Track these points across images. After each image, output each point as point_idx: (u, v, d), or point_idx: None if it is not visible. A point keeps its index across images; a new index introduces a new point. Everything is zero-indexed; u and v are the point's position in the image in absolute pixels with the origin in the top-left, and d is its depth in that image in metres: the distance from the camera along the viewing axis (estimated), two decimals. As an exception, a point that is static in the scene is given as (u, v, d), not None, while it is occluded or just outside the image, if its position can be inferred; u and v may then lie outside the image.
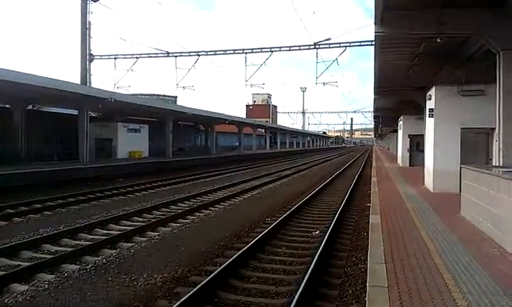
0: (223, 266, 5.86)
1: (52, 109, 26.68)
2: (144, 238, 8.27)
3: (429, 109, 12.44)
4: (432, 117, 12.19)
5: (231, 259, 6.21)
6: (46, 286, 5.44)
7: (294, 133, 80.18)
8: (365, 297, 4.34)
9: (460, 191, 8.70)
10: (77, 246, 7.62)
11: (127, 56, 32.60)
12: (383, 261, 5.13)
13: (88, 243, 7.84)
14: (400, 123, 26.45)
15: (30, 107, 23.66)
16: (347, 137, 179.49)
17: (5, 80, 15.34)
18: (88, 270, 6.10)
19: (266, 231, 8.08)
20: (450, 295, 4.04)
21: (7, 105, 22.68)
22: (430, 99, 12.47)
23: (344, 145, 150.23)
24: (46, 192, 14.03)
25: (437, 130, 11.99)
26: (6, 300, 5.03)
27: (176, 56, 30.36)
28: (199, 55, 29.63)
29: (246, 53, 28.49)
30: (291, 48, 28.07)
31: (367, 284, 4.44)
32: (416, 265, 4.99)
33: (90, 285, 5.52)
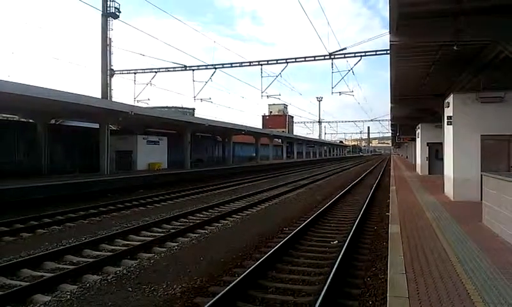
0: (242, 276, 5.89)
1: (73, 122, 27.42)
2: (164, 249, 8.38)
3: (448, 116, 12.26)
4: (450, 124, 12.00)
5: (249, 269, 6.23)
6: (68, 296, 5.55)
7: (310, 143, 79.77)
8: (385, 307, 4.30)
9: (481, 199, 8.53)
10: (98, 257, 7.79)
11: (146, 70, 33.39)
12: (403, 271, 5.05)
13: (108, 253, 8.00)
14: (418, 131, 26.06)
15: (53, 121, 24.38)
16: (364, 146, 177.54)
17: (31, 96, 15.89)
18: (109, 280, 6.22)
19: (284, 241, 8.08)
20: (473, 305, 3.96)
21: (31, 120, 23.43)
22: (448, 106, 12.30)
23: (360, 154, 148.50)
24: (68, 204, 14.39)
25: (456, 138, 11.79)
26: (30, 310, 5.18)
27: (193, 69, 30.86)
28: (215, 68, 30.01)
29: (261, 65, 28.70)
30: (306, 59, 28.11)
31: (387, 295, 4.38)
32: (438, 275, 4.91)
33: (111, 295, 5.62)
